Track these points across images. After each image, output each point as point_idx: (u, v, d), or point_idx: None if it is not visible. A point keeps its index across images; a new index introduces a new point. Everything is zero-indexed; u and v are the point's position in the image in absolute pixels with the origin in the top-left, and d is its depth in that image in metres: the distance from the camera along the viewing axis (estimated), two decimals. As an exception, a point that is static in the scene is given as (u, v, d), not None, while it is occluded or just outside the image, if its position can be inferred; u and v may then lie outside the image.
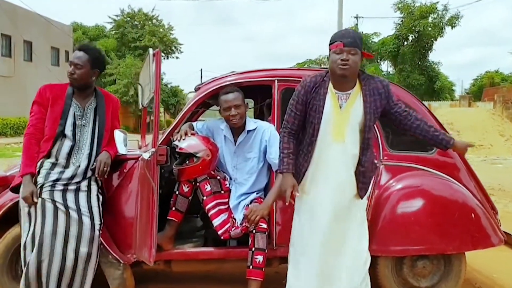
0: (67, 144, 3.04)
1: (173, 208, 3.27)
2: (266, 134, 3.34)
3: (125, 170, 3.35)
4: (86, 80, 3.11)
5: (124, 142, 3.13)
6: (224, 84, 3.44)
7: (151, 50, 3.04)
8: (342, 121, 2.79)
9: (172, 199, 3.29)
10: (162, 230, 3.22)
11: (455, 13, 26.30)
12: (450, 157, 3.53)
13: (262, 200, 3.34)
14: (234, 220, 3.28)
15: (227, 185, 3.39)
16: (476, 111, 22.66)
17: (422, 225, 3.21)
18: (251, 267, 3.12)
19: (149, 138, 4.25)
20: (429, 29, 25.93)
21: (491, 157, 15.39)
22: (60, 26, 31.35)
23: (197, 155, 3.17)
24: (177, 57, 41.29)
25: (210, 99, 3.66)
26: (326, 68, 2.99)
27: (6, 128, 23.45)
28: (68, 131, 3.05)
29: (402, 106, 2.91)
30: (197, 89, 3.84)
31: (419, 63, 27.63)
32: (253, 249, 3.13)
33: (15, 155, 14.47)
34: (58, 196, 2.95)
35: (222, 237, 3.25)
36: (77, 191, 3.02)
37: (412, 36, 27.22)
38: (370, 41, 28.96)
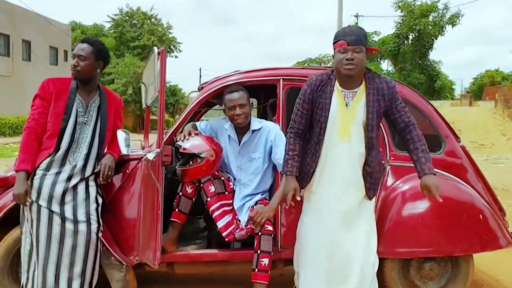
0: (65, 139, 2.95)
1: (176, 210, 3.22)
2: (272, 134, 3.29)
3: (127, 171, 3.29)
4: (90, 73, 3.03)
5: (127, 142, 3.07)
6: (227, 83, 3.39)
7: (155, 49, 2.98)
8: (348, 120, 2.77)
9: (175, 200, 3.24)
10: (164, 231, 3.16)
11: (456, 11, 26.29)
12: (457, 158, 3.49)
13: (267, 201, 3.29)
14: (238, 222, 3.23)
15: (231, 186, 3.34)
16: (477, 110, 22.63)
17: (430, 226, 3.17)
18: (256, 270, 3.07)
19: (150, 138, 4.23)
20: (430, 27, 25.90)
21: (493, 157, 15.35)
22: (59, 25, 31.27)
23: (201, 155, 3.12)
24: (176, 56, 41.33)
25: (213, 99, 3.60)
26: (329, 67, 2.97)
27: (4, 127, 23.37)
28: (69, 127, 2.97)
29: (404, 117, 2.79)
30: (200, 88, 3.79)
31: (420, 62, 27.60)
32: (259, 251, 3.08)
33: (14, 155, 14.40)
34: (55, 206, 2.89)
35: (226, 239, 3.20)
36: (75, 195, 2.95)
37: (412, 35, 27.20)
38: (370, 40, 28.89)
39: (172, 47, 39.96)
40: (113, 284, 3.12)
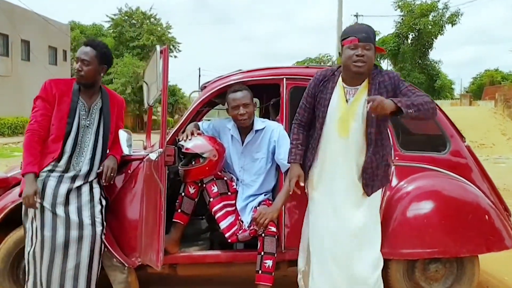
0: (69, 143, 2.90)
1: (179, 210, 3.18)
2: (275, 134, 3.25)
3: (129, 171, 3.26)
4: (94, 77, 2.98)
5: (128, 142, 3.03)
6: (230, 82, 3.35)
7: (158, 47, 2.94)
8: (347, 116, 2.75)
9: (177, 201, 3.20)
10: (167, 232, 3.13)
11: (455, 10, 26.26)
12: (462, 158, 3.46)
13: (270, 202, 3.26)
14: (241, 223, 3.20)
15: (234, 187, 3.30)
16: (477, 110, 22.62)
17: (435, 227, 3.13)
18: (260, 271, 3.03)
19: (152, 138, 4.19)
20: (430, 27, 25.87)
21: (493, 156, 15.32)
22: (58, 25, 31.24)
23: (204, 155, 3.08)
24: (175, 56, 41.21)
25: (216, 98, 3.56)
26: (329, 66, 2.96)
27: (3, 128, 23.32)
28: (73, 131, 2.92)
29: (412, 97, 2.66)
30: (202, 88, 3.75)
31: (420, 61, 27.57)
32: (262, 253, 3.04)
33: (13, 155, 14.38)
34: (60, 208, 2.85)
35: (229, 240, 3.16)
36: (79, 196, 2.91)
37: (412, 35, 27.17)
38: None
39: (171, 47, 39.90)
40: (115, 286, 3.09)
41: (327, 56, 40.02)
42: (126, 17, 39.36)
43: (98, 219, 2.93)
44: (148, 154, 3.11)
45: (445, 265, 3.28)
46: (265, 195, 3.31)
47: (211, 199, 3.17)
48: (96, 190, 2.99)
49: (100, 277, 3.03)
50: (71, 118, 2.90)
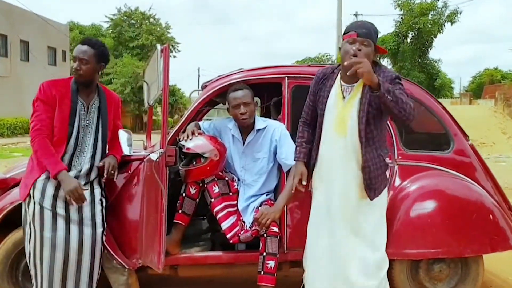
0: (70, 143, 2.87)
1: (180, 211, 3.14)
2: (276, 133, 3.21)
3: (130, 172, 3.22)
4: (92, 76, 2.94)
5: (129, 142, 3.00)
6: (231, 81, 3.32)
7: (158, 46, 2.91)
8: (344, 114, 2.73)
9: (178, 202, 3.16)
10: (167, 233, 3.09)
11: (454, 8, 26.21)
12: (466, 156, 3.43)
13: (271, 202, 3.22)
14: (243, 223, 3.16)
15: (236, 187, 3.27)
16: (477, 109, 22.60)
17: (439, 227, 3.09)
18: (262, 272, 3.00)
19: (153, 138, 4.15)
20: (429, 26, 25.82)
21: (494, 155, 15.30)
22: (57, 25, 31.22)
23: (205, 155, 3.05)
24: (174, 56, 41.18)
25: (217, 97, 3.53)
26: (330, 65, 2.95)
27: (3, 128, 23.29)
28: (75, 132, 2.89)
29: (397, 91, 2.58)
30: (203, 87, 3.71)
31: (419, 60, 27.52)
32: (264, 254, 3.00)
33: (12, 156, 14.35)
34: (60, 208, 2.82)
35: (231, 241, 3.13)
36: (80, 212, 2.87)
37: (412, 34, 27.11)
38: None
39: (170, 47, 39.83)
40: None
41: (327, 56, 40.04)
42: (125, 17, 39.34)
43: (99, 220, 2.90)
44: (148, 154, 3.08)
45: (449, 265, 3.25)
46: (266, 195, 3.28)
47: (213, 200, 3.13)
48: (97, 191, 2.96)
49: (100, 278, 2.99)
50: (73, 119, 2.87)
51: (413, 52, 27.09)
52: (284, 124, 3.28)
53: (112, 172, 2.93)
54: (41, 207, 2.78)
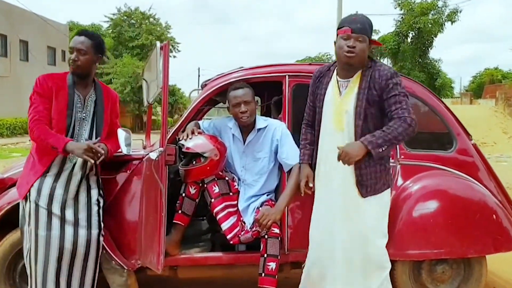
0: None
1: (179, 211, 3.10)
2: (277, 132, 3.17)
3: (128, 171, 3.18)
4: (90, 67, 2.91)
5: (127, 141, 2.95)
6: (231, 80, 3.28)
7: (158, 43, 2.87)
8: (340, 109, 2.72)
9: (178, 202, 3.12)
10: (167, 234, 3.05)
11: (454, 7, 26.18)
12: (469, 156, 3.39)
13: (272, 202, 3.18)
14: (243, 224, 3.13)
15: (236, 187, 3.23)
16: (478, 109, 22.59)
17: (442, 227, 3.06)
18: (263, 274, 2.95)
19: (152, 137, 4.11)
20: (429, 25, 25.79)
21: (495, 155, 15.26)
22: (56, 25, 31.19)
23: (204, 155, 3.01)
24: (174, 56, 41.10)
25: (217, 96, 3.49)
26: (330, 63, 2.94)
27: (2, 128, 23.24)
28: (72, 124, 2.85)
29: (394, 112, 2.59)
30: (203, 85, 3.68)
31: (420, 60, 27.49)
32: (265, 255, 2.96)
33: (12, 156, 14.31)
34: (56, 207, 2.79)
35: (231, 242, 3.09)
36: (76, 198, 2.85)
37: (412, 33, 27.08)
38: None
39: (170, 47, 39.77)
40: (114, 289, 3.02)
41: (327, 55, 39.98)
42: (125, 17, 39.22)
43: (95, 221, 2.87)
44: (147, 154, 3.04)
45: (452, 266, 3.22)
46: (267, 195, 3.24)
47: (213, 200, 3.09)
48: (94, 191, 2.93)
49: (98, 279, 2.96)
50: (70, 110, 2.84)
51: (414, 52, 27.06)
52: (285, 123, 3.24)
53: (102, 152, 2.78)
54: (37, 206, 2.76)
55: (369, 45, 2.70)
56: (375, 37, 29.34)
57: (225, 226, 3.07)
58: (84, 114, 2.91)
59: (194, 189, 3.10)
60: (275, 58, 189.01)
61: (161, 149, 2.81)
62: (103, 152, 2.75)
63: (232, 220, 3.11)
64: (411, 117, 2.56)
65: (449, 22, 26.09)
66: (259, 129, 3.20)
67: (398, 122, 2.55)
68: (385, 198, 2.81)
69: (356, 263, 2.76)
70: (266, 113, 4.47)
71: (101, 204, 2.96)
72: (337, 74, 2.79)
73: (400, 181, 3.23)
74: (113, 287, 3.03)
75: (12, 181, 3.18)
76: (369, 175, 2.71)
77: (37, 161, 2.84)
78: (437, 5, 26.04)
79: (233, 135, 3.26)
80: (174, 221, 3.10)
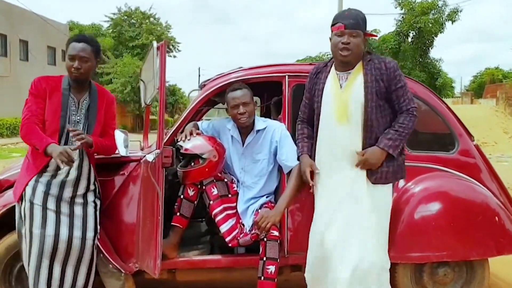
0: (62, 142, 2.81)
1: (178, 214, 3.07)
2: (277, 134, 3.13)
3: (126, 173, 3.14)
4: (90, 73, 2.92)
5: (125, 143, 2.91)
6: (231, 80, 3.24)
7: (155, 43, 2.83)
8: (343, 101, 2.71)
9: (176, 204, 3.08)
10: (165, 236, 3.01)
11: (455, 7, 26.08)
12: (471, 157, 3.35)
13: (272, 204, 3.14)
14: (242, 226, 3.09)
15: (235, 188, 3.18)
16: (479, 108, 22.53)
17: (444, 230, 3.02)
18: (262, 278, 2.91)
19: (150, 138, 4.07)
20: (430, 25, 25.69)
21: (495, 155, 15.18)
22: (57, 25, 31.16)
23: (203, 156, 2.97)
24: (174, 56, 41.08)
25: (216, 97, 3.45)
26: None
27: (2, 128, 23.22)
28: (66, 126, 2.82)
29: (402, 104, 2.72)
30: (202, 86, 3.63)
31: (420, 60, 27.38)
32: (264, 258, 2.92)
33: (12, 156, 14.28)
34: (51, 203, 2.77)
35: (230, 245, 3.04)
36: (72, 201, 2.83)
37: (413, 33, 26.99)
38: (370, 38, 28.66)
39: (171, 46, 39.74)
40: (111, 293, 2.98)
41: (327, 55, 39.84)
42: (126, 17, 39.18)
43: (91, 224, 2.85)
44: (145, 155, 3.00)
45: (454, 269, 3.18)
46: (267, 197, 3.20)
47: (211, 202, 3.05)
48: (91, 193, 2.91)
49: (95, 280, 2.93)
50: (64, 112, 2.81)
51: (414, 52, 26.95)
52: (285, 123, 3.20)
53: (83, 138, 2.73)
54: (32, 204, 2.74)
55: (364, 38, 2.72)
56: (375, 37, 29.40)
57: (223, 228, 3.04)
58: (78, 117, 2.89)
59: (193, 191, 3.06)
60: (275, 58, 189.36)
61: (158, 151, 2.77)
62: (75, 160, 2.71)
63: (231, 222, 3.07)
64: (415, 106, 2.74)
65: (450, 22, 25.98)
66: (258, 131, 3.16)
67: (408, 117, 2.70)
68: (388, 190, 2.83)
69: (351, 259, 2.69)
70: (266, 113, 4.43)
71: (98, 206, 2.93)
72: (335, 69, 2.80)
73: (401, 183, 3.18)
74: (110, 290, 2.99)
75: (8, 183, 3.14)
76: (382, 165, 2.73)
77: (32, 163, 2.82)
78: (437, 5, 25.95)
79: (232, 136, 3.21)
80: (172, 223, 3.07)
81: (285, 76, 3.22)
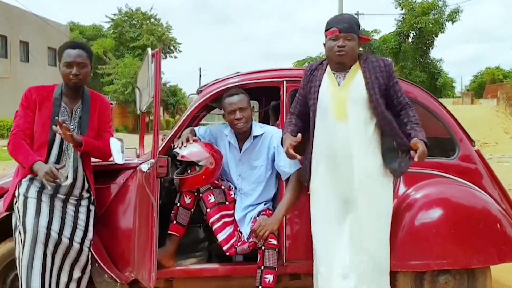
0: (53, 152, 2.80)
1: (174, 222, 3.02)
2: (274, 140, 3.08)
3: (122, 181, 3.10)
4: (87, 79, 2.90)
5: (121, 149, 2.86)
6: (228, 86, 3.19)
7: (149, 50, 2.78)
8: (342, 98, 2.71)
9: (172, 212, 3.04)
10: (162, 244, 2.96)
11: (455, 7, 26.07)
12: (472, 163, 3.30)
13: (270, 211, 3.10)
14: (240, 234, 3.04)
15: (232, 196, 3.14)
16: (479, 108, 22.48)
17: (444, 237, 2.97)
18: (260, 287, 2.87)
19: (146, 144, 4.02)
20: (430, 25, 25.68)
21: (496, 155, 15.11)
22: (57, 26, 31.15)
23: (200, 163, 2.93)
24: (175, 57, 41.09)
25: (213, 102, 3.40)
26: None
27: (2, 130, 23.17)
28: (58, 137, 2.78)
29: (400, 98, 2.78)
30: (199, 91, 3.59)
31: (421, 60, 27.36)
32: (262, 267, 2.87)
33: (11, 158, 14.21)
34: (45, 196, 2.75)
35: (227, 253, 3.00)
36: (65, 202, 2.81)
37: (413, 33, 26.97)
38: (371, 38, 28.64)
39: (171, 47, 39.74)
40: (107, 303, 2.93)
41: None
42: (126, 18, 39.17)
43: (80, 226, 2.82)
44: (141, 163, 2.96)
45: (455, 277, 3.12)
46: (265, 204, 3.15)
47: (208, 210, 3.00)
48: (84, 202, 2.87)
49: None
50: (54, 124, 2.75)
51: (415, 52, 26.93)
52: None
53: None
54: (25, 198, 2.71)
55: (358, 42, 2.73)
56: (376, 37, 29.34)
57: (221, 237, 2.99)
58: (72, 126, 2.85)
59: (189, 198, 3.02)
60: (276, 59, 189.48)
61: (153, 160, 2.72)
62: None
63: (228, 230, 3.02)
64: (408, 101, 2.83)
65: (450, 22, 25.97)
66: (255, 137, 3.12)
67: (411, 112, 2.78)
68: (390, 186, 2.83)
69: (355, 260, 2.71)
70: (264, 118, 4.39)
71: (92, 213, 2.90)
72: (331, 69, 2.80)
73: (402, 189, 3.14)
74: (105, 301, 2.94)
75: (2, 191, 3.09)
76: (393, 152, 2.77)
77: (26, 170, 2.77)
78: (437, 5, 25.92)
79: (229, 142, 3.17)
80: (169, 231, 3.02)
81: (283, 81, 3.18)
